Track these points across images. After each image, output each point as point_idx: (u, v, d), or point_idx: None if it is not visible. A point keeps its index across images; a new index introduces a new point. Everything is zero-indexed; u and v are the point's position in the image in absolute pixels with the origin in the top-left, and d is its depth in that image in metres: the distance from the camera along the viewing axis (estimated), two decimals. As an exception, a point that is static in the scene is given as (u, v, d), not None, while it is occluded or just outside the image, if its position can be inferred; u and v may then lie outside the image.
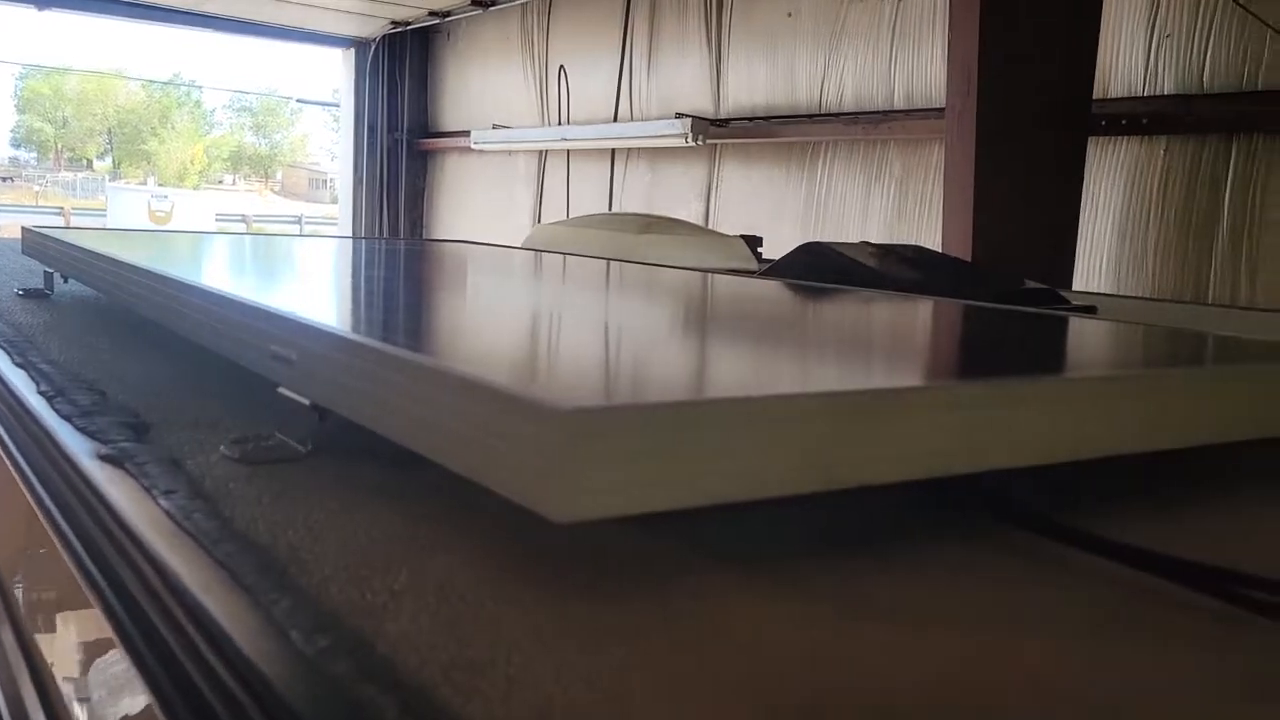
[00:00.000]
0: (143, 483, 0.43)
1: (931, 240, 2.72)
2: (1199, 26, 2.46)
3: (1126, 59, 2.61)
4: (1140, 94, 2.58)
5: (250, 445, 0.47)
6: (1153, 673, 0.29)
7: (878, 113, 3.22)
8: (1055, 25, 2.42)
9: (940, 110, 2.45)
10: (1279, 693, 0.29)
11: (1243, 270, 2.38)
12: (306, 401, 0.47)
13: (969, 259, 2.32)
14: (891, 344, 0.54)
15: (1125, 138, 2.60)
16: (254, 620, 0.29)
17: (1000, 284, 1.10)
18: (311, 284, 0.84)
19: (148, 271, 0.72)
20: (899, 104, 3.16)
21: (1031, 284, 1.16)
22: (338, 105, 6.39)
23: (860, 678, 0.28)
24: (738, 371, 0.42)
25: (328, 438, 0.47)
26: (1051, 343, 0.59)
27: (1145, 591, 0.36)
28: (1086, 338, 0.62)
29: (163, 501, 0.40)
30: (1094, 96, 2.53)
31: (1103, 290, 2.60)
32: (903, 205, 3.19)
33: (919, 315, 0.71)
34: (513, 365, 0.38)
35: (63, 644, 0.60)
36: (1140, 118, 2.53)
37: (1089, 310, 1.08)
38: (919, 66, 3.11)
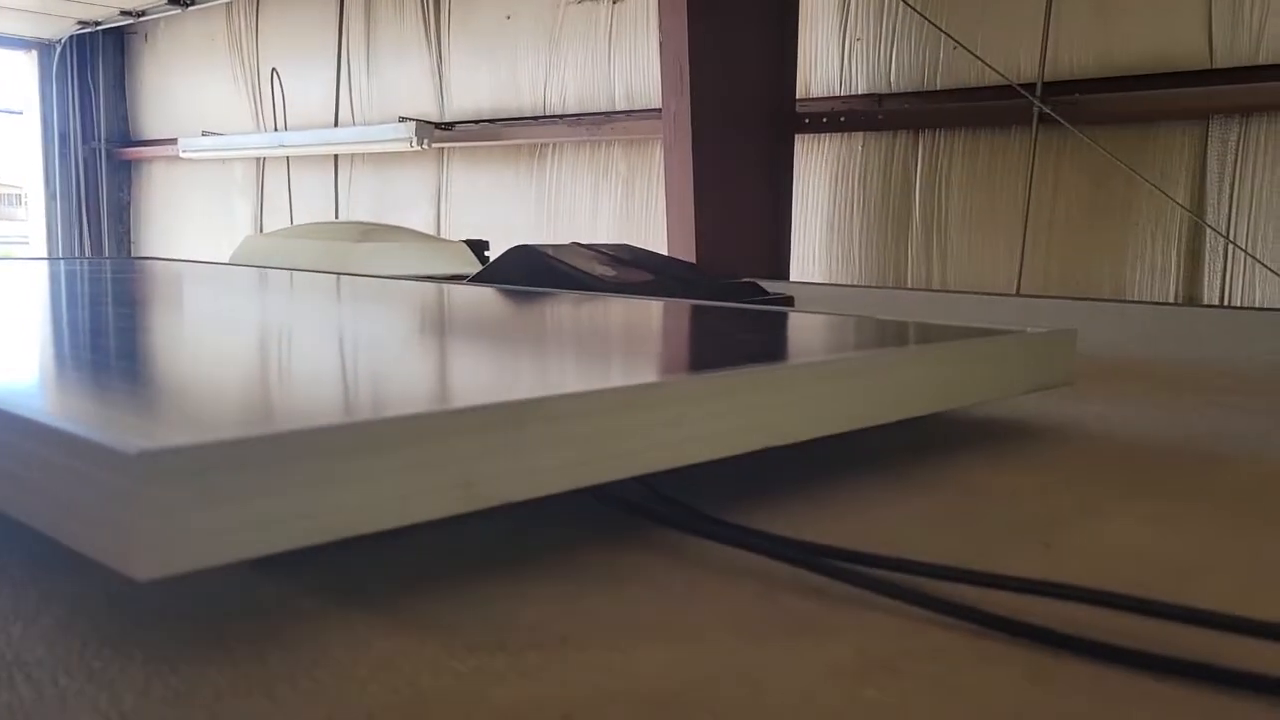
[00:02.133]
0: None
1: (661, 237, 2.79)
2: (884, 31, 2.66)
3: (824, 61, 2.78)
4: (838, 94, 2.75)
5: None
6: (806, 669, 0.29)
7: (600, 114, 3.27)
8: (758, 28, 2.55)
9: (659, 110, 2.52)
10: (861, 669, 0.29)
11: (934, 256, 2.60)
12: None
13: (693, 256, 2.41)
14: (570, 346, 0.53)
15: (827, 135, 2.78)
16: None
17: (705, 280, 1.13)
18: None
19: None
20: (620, 105, 3.23)
21: (729, 279, 1.20)
22: (21, 113, 5.78)
23: (513, 708, 0.26)
24: (384, 389, 0.39)
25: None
26: (725, 337, 0.60)
27: (803, 581, 0.36)
28: (761, 329, 0.64)
29: None
30: (797, 96, 2.69)
31: (816, 280, 2.76)
32: (630, 204, 3.26)
33: (608, 316, 0.71)
34: (109, 403, 0.34)
35: None
36: (839, 115, 2.70)
37: (786, 301, 1.13)
38: (637, 67, 3.18)
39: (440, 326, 0.62)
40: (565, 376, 0.42)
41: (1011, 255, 2.44)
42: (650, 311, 0.74)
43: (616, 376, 0.41)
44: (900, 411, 0.52)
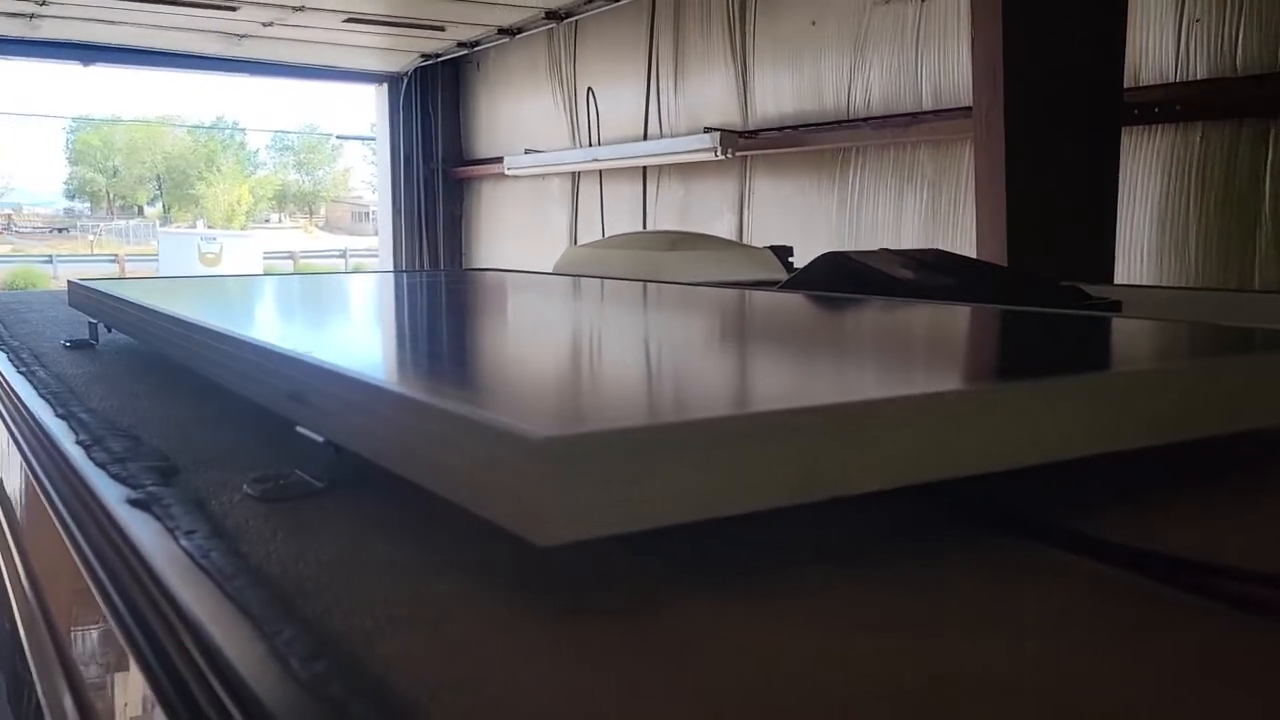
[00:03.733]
0: (167, 524, 0.45)
1: (968, 242, 2.70)
2: (1228, 9, 2.43)
3: (1156, 45, 2.58)
4: (1173, 80, 2.55)
5: (270, 484, 0.49)
6: (1136, 669, 0.30)
7: (906, 115, 3.21)
8: (1081, 14, 2.39)
9: (969, 109, 2.44)
10: (1253, 685, 0.29)
11: (1287, 253, 2.34)
12: (321, 439, 0.49)
13: (1004, 259, 2.31)
14: (888, 352, 0.55)
15: (1160, 126, 2.57)
16: (257, 650, 0.31)
17: (1022, 284, 1.10)
18: (333, 323, 0.87)
19: (175, 319, 0.75)
20: (927, 105, 3.15)
21: (1050, 281, 1.15)
22: (375, 139, 6.51)
23: (853, 689, 0.29)
24: (727, 388, 0.43)
25: (346, 472, 0.49)
26: (1052, 343, 0.59)
27: (1130, 590, 0.36)
28: (1092, 336, 0.63)
29: (183, 541, 0.42)
30: (1125, 85, 2.50)
31: (1143, 282, 2.56)
32: (936, 208, 3.18)
33: (925, 322, 0.72)
34: (503, 395, 0.40)
35: (107, 680, 0.63)
36: (1174, 104, 2.50)
37: (1112, 306, 1.08)
38: (946, 66, 3.10)
39: (768, 331, 0.66)
40: (893, 379, 0.44)
41: (1385, 253, 2.15)
42: (969, 318, 0.74)
43: (944, 381, 0.43)
44: (1242, 422, 0.49)
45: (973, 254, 2.31)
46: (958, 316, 0.76)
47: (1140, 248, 2.63)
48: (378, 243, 6.60)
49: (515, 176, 5.17)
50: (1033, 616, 0.34)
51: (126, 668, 0.51)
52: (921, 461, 0.38)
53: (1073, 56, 2.41)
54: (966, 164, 2.93)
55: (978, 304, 0.85)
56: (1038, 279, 1.22)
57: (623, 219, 4.45)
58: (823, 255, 1.21)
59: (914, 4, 3.17)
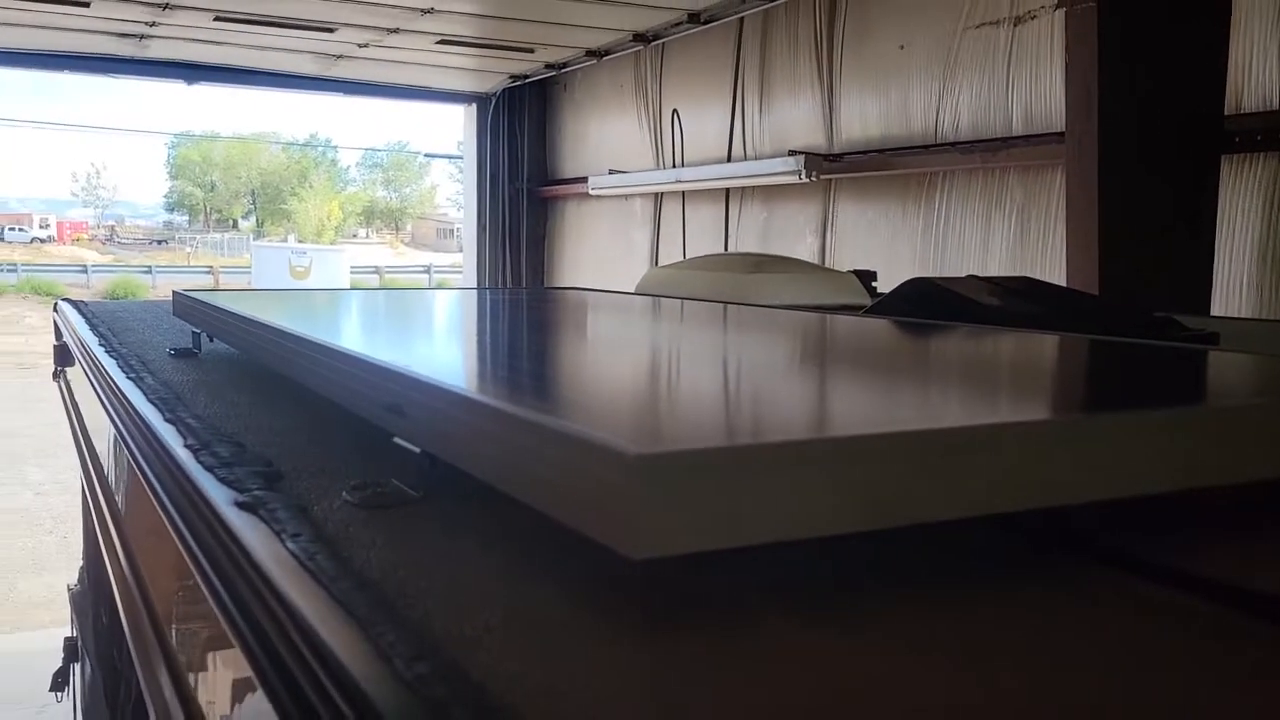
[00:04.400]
0: (273, 527, 0.47)
1: (1057, 270, 2.65)
2: (1339, 32, 2.35)
3: (1260, 72, 2.51)
4: (1276, 108, 2.47)
5: (368, 491, 0.51)
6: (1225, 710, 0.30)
7: (996, 140, 3.16)
8: (1179, 41, 2.34)
9: (1062, 134, 2.40)
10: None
11: (1397, 288, 2.25)
12: (417, 450, 0.51)
13: (1096, 288, 2.26)
14: (975, 380, 0.55)
15: (1262, 154, 2.49)
16: (363, 650, 0.33)
17: (1114, 314, 1.08)
18: (424, 338, 0.90)
19: (278, 330, 0.78)
20: (1018, 130, 3.11)
21: (1143, 312, 1.13)
22: (462, 158, 6.64)
23: (929, 714, 0.29)
24: (815, 412, 0.44)
25: (439, 482, 0.51)
26: (1144, 374, 0.59)
27: (1226, 625, 0.36)
28: (1185, 368, 0.62)
29: (290, 544, 0.44)
30: (1225, 113, 2.43)
31: (1243, 314, 2.48)
32: (1025, 234, 3.12)
33: (1012, 350, 0.71)
34: (597, 412, 0.41)
35: (210, 674, 0.66)
36: (1277, 132, 2.42)
37: (1209, 339, 1.05)
38: (1038, 90, 3.05)
39: (854, 356, 0.66)
40: (979, 407, 0.44)
41: None
42: (1058, 347, 0.74)
43: (1031, 410, 0.43)
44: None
45: (1063, 282, 2.27)
46: (1046, 346, 0.75)
47: (1240, 278, 2.55)
48: (462, 259, 6.72)
49: (599, 196, 5.23)
50: (1126, 650, 0.34)
51: (232, 662, 0.53)
52: (1007, 491, 0.38)
53: (1170, 83, 2.35)
54: (1058, 190, 2.88)
55: (1067, 333, 0.84)
56: (1130, 309, 1.20)
57: (704, 240, 4.46)
58: (909, 281, 1.20)
59: (1006, 27, 3.13)
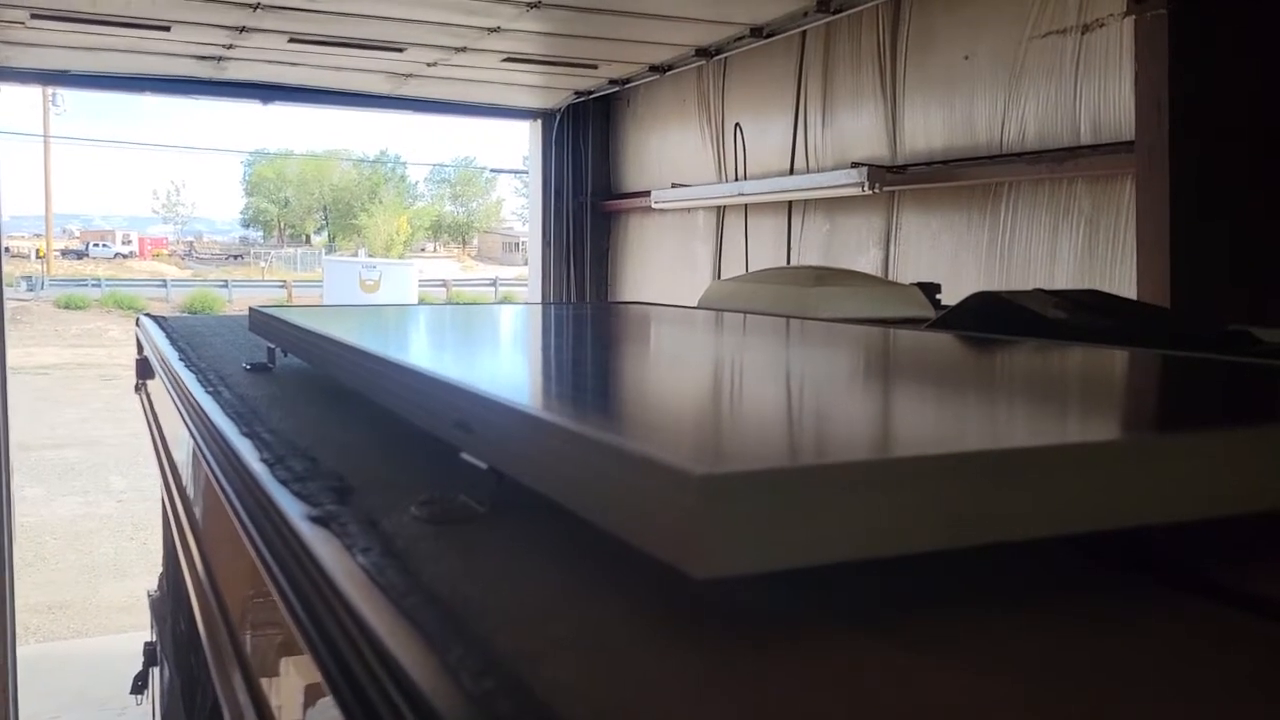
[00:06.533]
0: (344, 541, 0.48)
1: (1127, 283, 2.60)
2: None
3: (1341, 77, 2.43)
4: (1360, 114, 2.39)
5: (436, 506, 0.53)
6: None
7: (1062, 150, 3.11)
8: (1252, 47, 2.28)
9: (1131, 144, 2.35)
10: None
11: None
12: (484, 466, 0.52)
13: (1167, 301, 2.21)
14: (1043, 397, 0.54)
15: (1344, 161, 2.42)
16: (431, 664, 0.34)
17: (1185, 327, 1.05)
18: (491, 355, 0.91)
19: (350, 347, 0.80)
20: (1086, 139, 3.05)
21: (1217, 325, 1.10)
22: (527, 172, 6.72)
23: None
24: (879, 430, 0.44)
25: (505, 498, 0.52)
26: (1216, 390, 0.58)
27: (1299, 652, 0.35)
28: (1261, 384, 0.60)
29: (360, 558, 0.46)
30: (1306, 117, 2.36)
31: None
32: (1093, 246, 3.06)
33: (1080, 365, 0.70)
34: (661, 430, 0.42)
35: (282, 682, 0.68)
36: (1361, 139, 2.34)
37: (1287, 353, 1.02)
38: (1107, 99, 2.99)
39: (920, 371, 0.66)
40: (1048, 425, 0.44)
41: None
42: (1128, 362, 0.72)
43: (1102, 429, 0.42)
44: None
45: (1132, 295, 2.22)
46: (1115, 361, 0.74)
47: (1321, 290, 2.47)
48: (527, 272, 6.79)
49: (661, 210, 5.25)
50: (1199, 679, 0.33)
51: (304, 671, 0.55)
52: (1076, 511, 0.38)
53: (1242, 90, 2.29)
54: (1127, 200, 2.82)
55: (1137, 348, 0.83)
56: (1203, 322, 1.17)
57: (766, 253, 4.45)
58: (974, 294, 1.19)
59: (1073, 36, 3.08)
